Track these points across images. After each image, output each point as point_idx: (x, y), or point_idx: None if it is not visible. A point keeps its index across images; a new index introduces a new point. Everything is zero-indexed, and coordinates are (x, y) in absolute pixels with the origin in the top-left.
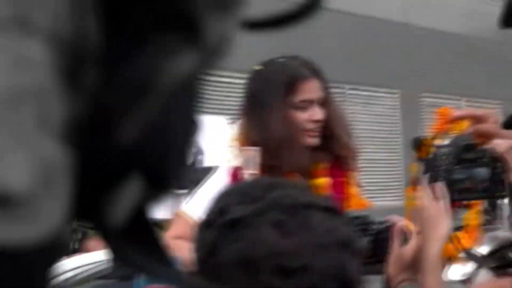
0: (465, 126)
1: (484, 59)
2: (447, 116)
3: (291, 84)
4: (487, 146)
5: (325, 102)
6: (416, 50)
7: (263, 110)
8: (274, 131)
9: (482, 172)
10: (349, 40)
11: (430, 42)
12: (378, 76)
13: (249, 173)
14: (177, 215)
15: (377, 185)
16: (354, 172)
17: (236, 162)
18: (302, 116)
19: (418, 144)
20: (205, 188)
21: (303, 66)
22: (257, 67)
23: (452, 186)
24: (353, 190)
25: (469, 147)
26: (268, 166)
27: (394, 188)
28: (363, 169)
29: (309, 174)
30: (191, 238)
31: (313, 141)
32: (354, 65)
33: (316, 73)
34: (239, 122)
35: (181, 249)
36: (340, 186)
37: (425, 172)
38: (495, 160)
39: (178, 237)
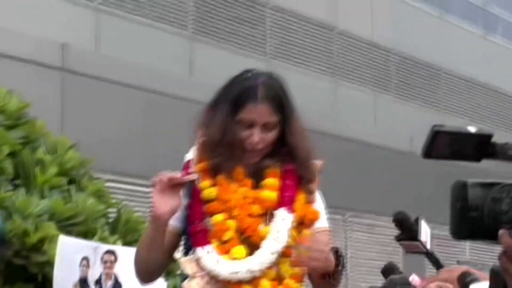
0: None
1: None
2: None
3: (240, 101)
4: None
5: (276, 127)
6: (420, 180)
7: (216, 112)
8: (214, 135)
9: None
10: (351, 166)
11: (433, 172)
12: (382, 204)
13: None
14: None
15: None
16: (310, 183)
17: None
18: (242, 134)
19: None
20: None
21: (263, 87)
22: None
23: None
24: (304, 198)
25: None
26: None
27: None
28: None
29: (260, 174)
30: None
31: (253, 159)
32: (355, 192)
33: (270, 97)
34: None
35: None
36: (289, 190)
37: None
38: None
39: None
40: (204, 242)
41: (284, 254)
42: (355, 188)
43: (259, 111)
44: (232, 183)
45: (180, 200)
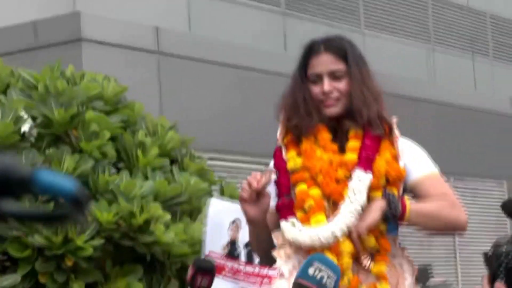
0: None
1: None
2: None
3: (305, 60)
4: None
5: (346, 76)
6: None
7: (292, 80)
8: (289, 100)
9: None
10: (454, 132)
11: None
12: (485, 167)
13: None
14: None
15: None
16: (390, 139)
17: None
18: (314, 89)
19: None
20: None
21: (324, 41)
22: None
23: None
24: (387, 155)
25: None
26: (291, 125)
27: None
28: (470, 263)
29: (344, 137)
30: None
31: (330, 111)
32: (460, 157)
33: (329, 47)
34: None
35: None
36: (367, 149)
37: (487, 267)
38: None
39: None
40: (288, 213)
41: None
42: (458, 152)
43: (321, 61)
44: (317, 149)
45: (269, 196)
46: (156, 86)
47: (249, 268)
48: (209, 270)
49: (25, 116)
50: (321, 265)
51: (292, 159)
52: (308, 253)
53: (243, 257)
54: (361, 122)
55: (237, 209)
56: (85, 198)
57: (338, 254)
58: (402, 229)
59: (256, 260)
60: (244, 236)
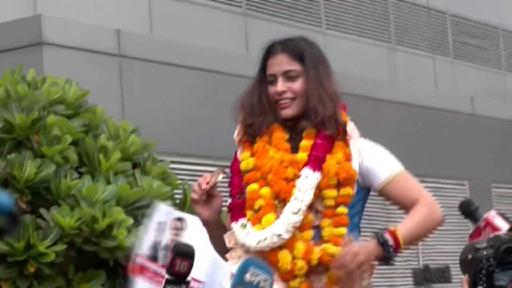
0: None
1: None
2: None
3: (263, 62)
4: None
5: (302, 76)
6: (484, 140)
7: (252, 82)
8: (248, 100)
9: None
10: (415, 132)
11: (497, 131)
12: (446, 168)
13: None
14: None
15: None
16: (344, 139)
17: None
18: (271, 90)
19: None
20: None
21: (279, 43)
22: None
23: None
24: (339, 155)
25: (511, 250)
26: (246, 125)
27: None
28: (432, 262)
29: (299, 137)
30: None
31: (285, 112)
32: (421, 157)
33: (285, 47)
34: None
35: None
36: (318, 148)
37: (464, 273)
38: None
39: None
40: (238, 215)
41: (324, 215)
42: (419, 153)
43: (277, 61)
44: (270, 149)
45: (221, 197)
46: (118, 89)
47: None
48: (188, 255)
49: None
50: (256, 270)
51: (245, 160)
52: (260, 255)
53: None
54: (315, 122)
55: (165, 211)
56: (19, 213)
57: (293, 257)
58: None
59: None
60: (165, 239)
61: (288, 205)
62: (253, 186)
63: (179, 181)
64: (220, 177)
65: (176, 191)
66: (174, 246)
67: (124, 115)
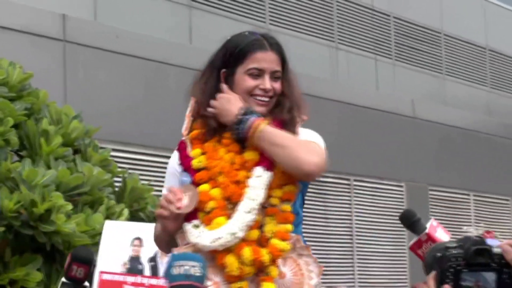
0: None
1: (492, 154)
2: None
3: (247, 51)
4: (497, 251)
5: (280, 78)
6: (423, 143)
7: (212, 72)
8: (205, 94)
9: (490, 277)
10: (355, 132)
11: (437, 135)
12: (384, 169)
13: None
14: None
15: (382, 277)
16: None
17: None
18: (251, 82)
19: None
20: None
21: (268, 38)
22: (227, 37)
23: None
24: None
25: (480, 252)
26: (201, 116)
27: (399, 281)
28: (367, 262)
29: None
30: None
31: (262, 109)
32: (360, 157)
33: (276, 48)
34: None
35: (155, 229)
36: None
37: (429, 270)
38: (503, 266)
39: None
40: (191, 216)
41: (267, 212)
42: (358, 153)
43: (268, 58)
44: (220, 149)
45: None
46: (61, 74)
47: (153, 281)
48: (86, 261)
49: None
50: (179, 262)
51: (197, 157)
52: (211, 254)
53: (147, 272)
54: (281, 120)
55: (137, 227)
56: None
57: (240, 262)
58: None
59: (161, 273)
60: (147, 251)
61: (241, 204)
62: (204, 187)
63: (119, 169)
64: (195, 203)
65: (115, 178)
66: (73, 251)
67: (67, 100)
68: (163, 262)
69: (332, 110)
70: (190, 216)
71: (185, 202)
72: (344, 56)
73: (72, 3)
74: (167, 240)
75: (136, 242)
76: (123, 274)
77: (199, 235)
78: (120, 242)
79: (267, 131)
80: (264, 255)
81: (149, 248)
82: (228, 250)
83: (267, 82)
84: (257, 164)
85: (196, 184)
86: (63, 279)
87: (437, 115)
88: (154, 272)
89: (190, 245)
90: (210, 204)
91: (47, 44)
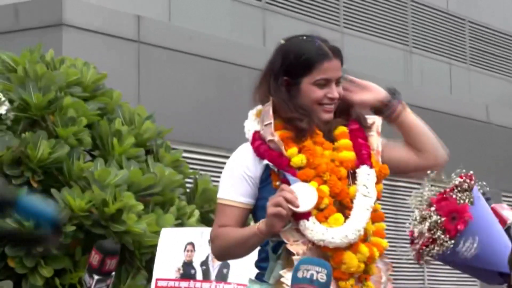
0: None
1: None
2: None
3: (313, 61)
4: None
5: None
6: (497, 148)
7: (280, 78)
8: (287, 100)
9: None
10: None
11: (510, 140)
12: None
13: (264, 125)
14: (220, 204)
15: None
16: (372, 135)
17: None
18: (320, 92)
19: None
20: (228, 171)
21: (327, 45)
22: (282, 41)
23: None
24: (374, 155)
25: None
26: (287, 119)
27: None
28: (437, 270)
29: (333, 136)
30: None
31: (330, 116)
32: None
33: (338, 54)
34: (256, 89)
35: (229, 235)
36: (364, 147)
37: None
38: None
39: (225, 225)
40: (304, 214)
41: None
42: None
43: (334, 67)
44: (317, 147)
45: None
46: (135, 75)
47: (205, 285)
48: (115, 252)
49: (3, 99)
50: (306, 266)
51: (294, 156)
52: (324, 251)
53: (199, 276)
54: (350, 119)
55: (190, 232)
56: (63, 223)
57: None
58: None
59: (213, 276)
60: (199, 256)
61: (358, 201)
62: (313, 184)
63: (191, 170)
64: (315, 202)
65: (187, 179)
66: (99, 246)
67: (140, 101)
68: (214, 265)
69: None
70: (302, 214)
71: (305, 201)
72: (418, 60)
73: (147, 4)
74: (257, 243)
75: (189, 247)
76: (177, 280)
77: (326, 233)
78: (175, 248)
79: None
80: (376, 251)
81: (201, 252)
82: (345, 247)
83: (334, 91)
84: (359, 162)
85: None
86: (96, 277)
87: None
88: (206, 276)
89: (302, 242)
90: (325, 201)
91: (122, 45)
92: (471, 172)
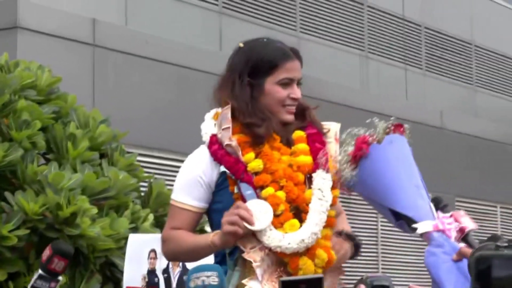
0: None
1: None
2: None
3: (275, 62)
4: None
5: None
6: (451, 154)
7: (240, 79)
8: (246, 102)
9: None
10: None
11: (465, 146)
12: None
13: (222, 129)
14: (173, 206)
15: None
16: (331, 142)
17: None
18: (282, 92)
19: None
20: (184, 174)
21: (287, 47)
22: (241, 44)
23: None
24: (331, 161)
25: None
26: (245, 124)
27: None
28: (393, 271)
29: (290, 141)
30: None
31: (291, 117)
32: None
33: (298, 55)
34: (216, 91)
35: (181, 239)
36: (319, 151)
37: None
38: None
39: (177, 228)
40: None
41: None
42: None
43: (296, 67)
44: (274, 152)
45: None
46: (90, 78)
47: None
48: (68, 255)
49: None
50: (196, 274)
51: (254, 161)
52: (282, 257)
53: (162, 285)
54: (306, 123)
55: (154, 238)
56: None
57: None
58: None
59: (174, 285)
60: (161, 264)
61: (314, 204)
62: (270, 190)
63: (146, 174)
64: (270, 220)
65: (141, 183)
66: (54, 244)
67: (95, 104)
68: (175, 273)
69: (360, 119)
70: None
71: (260, 219)
72: (374, 65)
73: (102, 8)
74: (209, 253)
75: (152, 254)
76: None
77: (283, 239)
78: (141, 255)
79: None
80: (334, 254)
81: (163, 260)
82: (302, 252)
83: (297, 91)
84: (315, 167)
85: (256, 187)
86: (40, 272)
87: (466, 126)
88: (168, 284)
89: (259, 248)
90: (281, 208)
91: (77, 48)
92: (406, 126)
